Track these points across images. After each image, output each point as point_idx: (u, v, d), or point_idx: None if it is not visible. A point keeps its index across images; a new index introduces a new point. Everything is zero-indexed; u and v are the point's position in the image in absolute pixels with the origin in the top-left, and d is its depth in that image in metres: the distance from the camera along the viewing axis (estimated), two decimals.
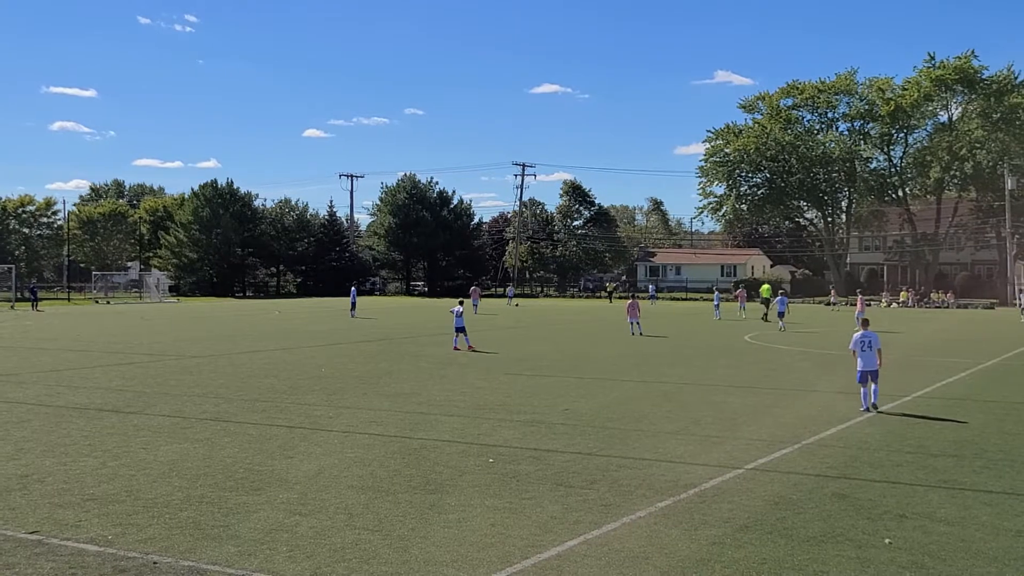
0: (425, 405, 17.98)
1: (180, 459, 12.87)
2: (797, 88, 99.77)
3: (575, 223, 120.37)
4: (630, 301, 41.56)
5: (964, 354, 30.57)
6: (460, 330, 31.47)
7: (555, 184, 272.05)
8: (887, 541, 9.11)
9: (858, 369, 17.71)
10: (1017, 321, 52.99)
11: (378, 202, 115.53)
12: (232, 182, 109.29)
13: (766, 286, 57.30)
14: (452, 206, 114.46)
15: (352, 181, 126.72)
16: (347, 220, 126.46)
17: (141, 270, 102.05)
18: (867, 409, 17.28)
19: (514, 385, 21.25)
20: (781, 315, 43.91)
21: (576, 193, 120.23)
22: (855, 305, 55.35)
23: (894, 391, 20.28)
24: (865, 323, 18.36)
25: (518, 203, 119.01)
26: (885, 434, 14.93)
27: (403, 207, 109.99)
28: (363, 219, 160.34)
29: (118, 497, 10.76)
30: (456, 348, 31.01)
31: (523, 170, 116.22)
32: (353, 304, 56.60)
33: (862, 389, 17.68)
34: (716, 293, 59.71)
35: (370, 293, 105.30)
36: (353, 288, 59.91)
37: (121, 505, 10.40)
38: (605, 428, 15.40)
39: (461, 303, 33.16)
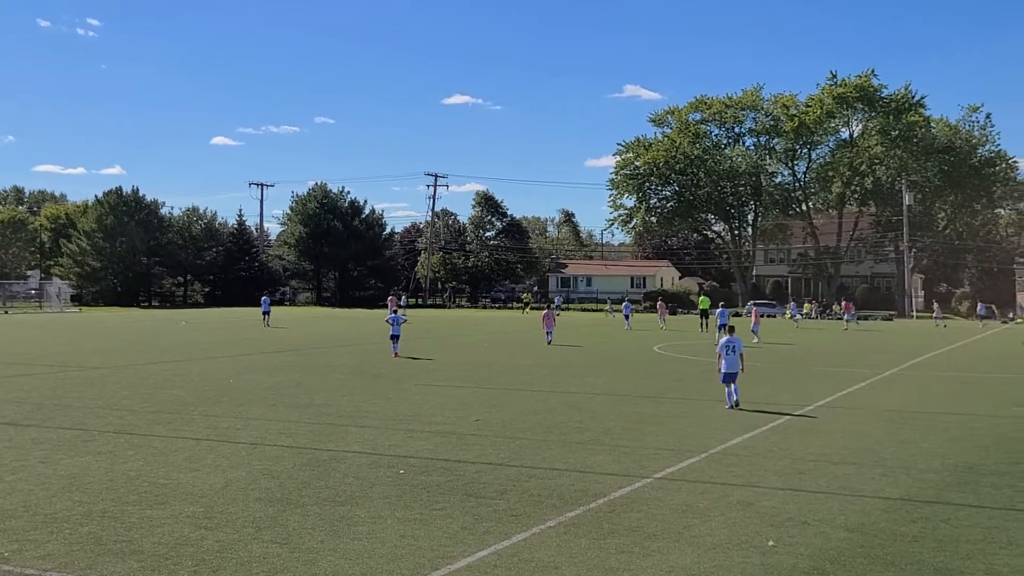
0: (335, 416, 17.81)
1: (81, 473, 12.52)
2: (705, 103, 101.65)
3: (487, 234, 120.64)
4: (546, 311, 41.84)
5: (864, 364, 31.42)
6: (395, 338, 32.49)
7: (467, 195, 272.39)
8: (770, 543, 9.35)
9: (721, 371, 19.31)
10: (915, 332, 54.66)
11: (288, 211, 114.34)
12: (137, 189, 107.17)
13: (704, 297, 57.69)
14: (364, 216, 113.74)
15: (262, 190, 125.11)
16: (256, 229, 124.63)
17: (42, 279, 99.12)
18: (731, 407, 19.01)
19: (425, 396, 21.18)
20: (722, 328, 42.58)
21: (488, 204, 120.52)
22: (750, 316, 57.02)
23: (798, 400, 20.76)
24: (731, 330, 20.24)
25: (430, 213, 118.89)
26: (788, 443, 15.26)
27: (314, 216, 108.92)
28: (273, 228, 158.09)
29: (15, 513, 10.42)
30: (396, 355, 31.74)
31: (435, 180, 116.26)
32: (266, 313, 56.01)
33: (726, 389, 19.44)
34: (626, 304, 60.04)
35: (280, 303, 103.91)
36: (266, 297, 59.25)
37: (18, 521, 10.07)
38: (516, 438, 15.44)
39: (395, 311, 34.06)
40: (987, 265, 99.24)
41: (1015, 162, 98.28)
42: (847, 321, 63.10)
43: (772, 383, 25.00)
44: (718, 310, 44.00)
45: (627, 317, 57.03)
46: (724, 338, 19.70)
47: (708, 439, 15.51)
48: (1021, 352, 38.52)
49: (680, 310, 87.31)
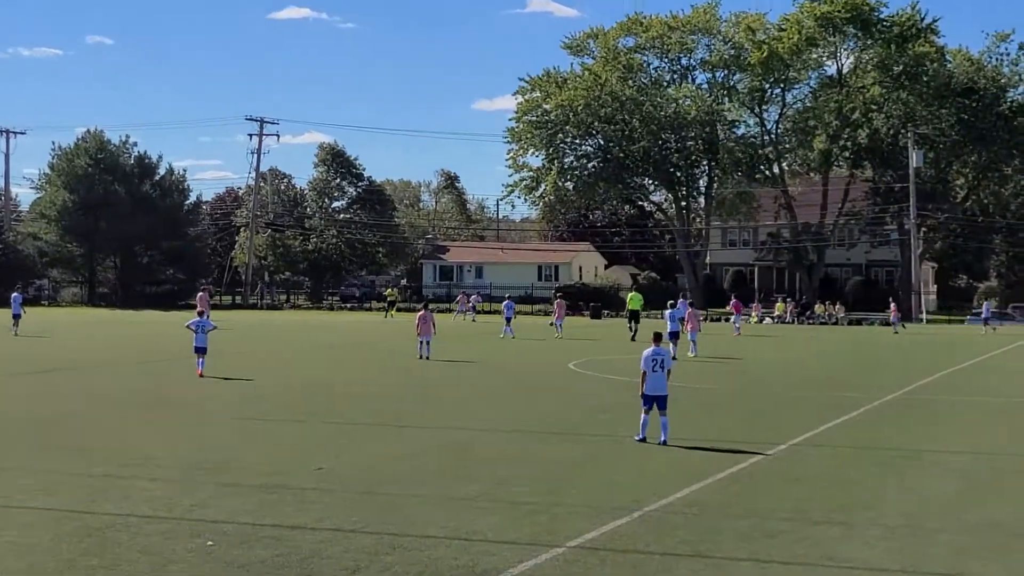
0: (117, 464, 17.50)
1: None
2: (641, 24, 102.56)
3: (336, 204, 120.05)
4: (421, 312, 41.76)
5: (856, 387, 32.17)
6: (200, 351, 32.88)
7: (307, 149, 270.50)
8: None
9: (643, 392, 20.08)
10: (924, 342, 56.16)
11: (48, 171, 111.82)
12: None
13: (635, 294, 58.05)
14: (158, 178, 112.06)
15: (8, 139, 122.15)
16: (0, 196, 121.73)
17: None
18: (643, 439, 19.90)
19: (246, 434, 21.00)
20: (674, 336, 41.30)
21: (338, 162, 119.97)
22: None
23: (765, 436, 21.11)
24: (658, 338, 20.86)
25: (254, 175, 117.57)
26: (754, 496, 15.51)
27: (85, 178, 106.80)
28: (25, 195, 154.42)
29: None
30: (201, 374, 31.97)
31: (261, 128, 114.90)
32: (16, 317, 54.90)
33: (643, 416, 20.06)
34: (507, 303, 60.04)
35: (35, 302, 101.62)
36: (16, 294, 58.06)
37: None
38: (375, 494, 15.38)
39: (201, 314, 34.04)
40: (1021, 250, 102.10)
41: None
42: (735, 324, 64.52)
43: (730, 413, 25.39)
44: (668, 311, 43.56)
45: (508, 321, 57.22)
46: (650, 349, 20.32)
47: (643, 492, 15.65)
48: None
49: (607, 312, 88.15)
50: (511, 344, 51.33)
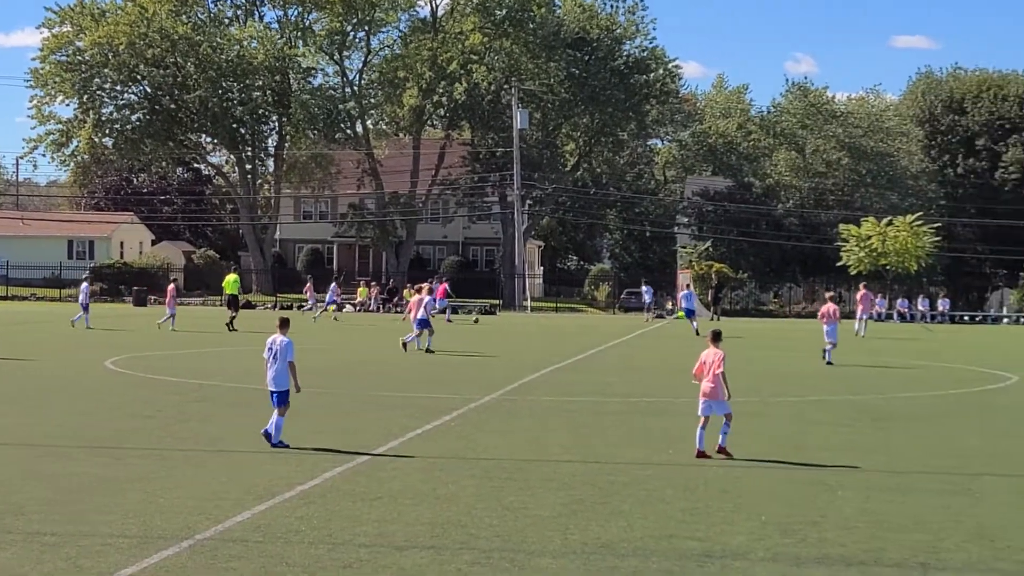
0: None
1: None
2: None
3: None
4: None
5: (450, 385, 33.00)
6: None
7: None
8: None
9: (270, 390, 21.10)
10: (527, 334, 58.10)
11: None
12: None
13: (232, 277, 57.26)
14: None
15: None
16: None
17: None
18: (266, 433, 20.78)
19: None
20: (423, 324, 44.03)
21: None
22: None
23: (344, 447, 21.25)
24: (284, 324, 21.57)
25: None
26: (328, 518, 15.57)
27: None
28: None
29: None
30: None
31: None
32: None
33: (276, 418, 20.85)
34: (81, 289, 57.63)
35: None
36: None
37: None
38: None
39: None
40: (636, 227, 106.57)
41: (677, 67, 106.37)
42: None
43: (299, 417, 25.43)
44: (427, 297, 44.39)
45: (83, 310, 55.41)
46: (271, 337, 21.12)
47: (196, 516, 15.49)
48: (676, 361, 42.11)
49: (154, 298, 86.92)
50: (35, 337, 49.87)
